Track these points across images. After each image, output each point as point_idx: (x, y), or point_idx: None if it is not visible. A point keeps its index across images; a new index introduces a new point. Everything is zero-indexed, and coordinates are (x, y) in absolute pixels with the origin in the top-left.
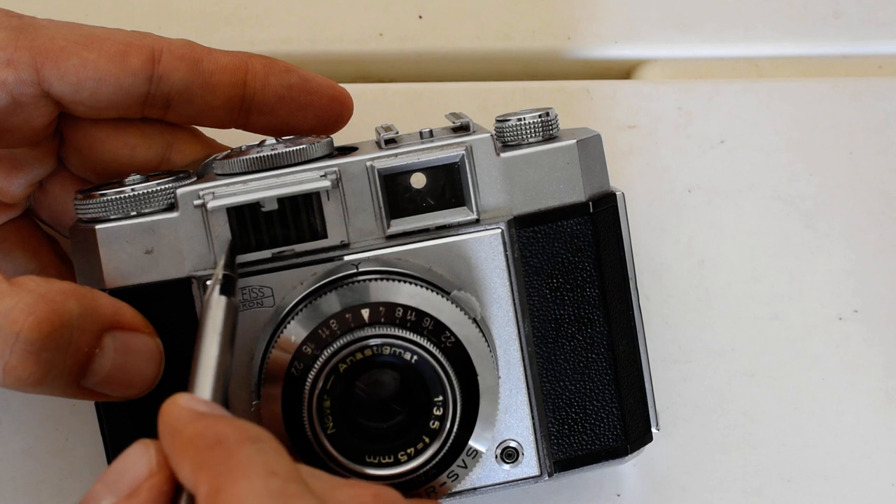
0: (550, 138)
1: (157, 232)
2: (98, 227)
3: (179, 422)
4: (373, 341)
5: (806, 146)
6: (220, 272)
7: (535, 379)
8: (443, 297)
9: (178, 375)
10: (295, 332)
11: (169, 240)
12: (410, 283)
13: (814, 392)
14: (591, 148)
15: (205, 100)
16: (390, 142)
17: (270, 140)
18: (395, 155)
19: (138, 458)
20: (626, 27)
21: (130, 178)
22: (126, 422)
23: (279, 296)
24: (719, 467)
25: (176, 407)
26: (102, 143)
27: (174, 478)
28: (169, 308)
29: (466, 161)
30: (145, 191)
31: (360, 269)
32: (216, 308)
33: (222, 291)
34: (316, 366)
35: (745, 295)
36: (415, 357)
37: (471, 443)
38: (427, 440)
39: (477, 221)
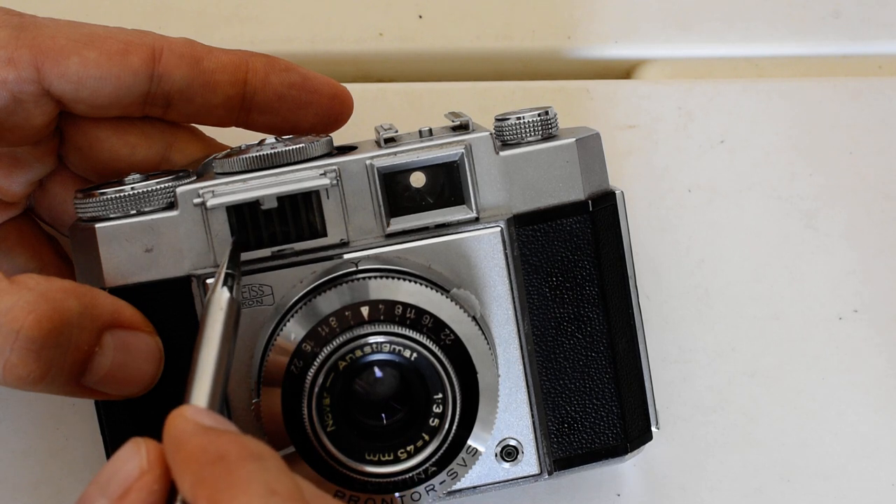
0: (549, 137)
1: (156, 230)
2: (98, 225)
3: (184, 434)
4: (372, 339)
5: (806, 146)
6: (222, 271)
7: (534, 377)
8: (442, 295)
9: (178, 374)
10: (294, 331)
11: (168, 238)
12: (410, 281)
13: (814, 392)
14: (590, 146)
15: (205, 98)
16: (390, 140)
17: (270, 139)
18: (395, 153)
19: (129, 458)
20: (625, 27)
21: (130, 177)
22: (126, 421)
23: (279, 294)
24: (719, 467)
25: (181, 419)
26: (102, 142)
27: (166, 477)
28: (169, 306)
29: (466, 160)
30: (145, 189)
31: (360, 268)
32: (216, 310)
33: (224, 291)
34: (315, 363)
35: (745, 295)
36: (414, 355)
37: (470, 441)
38: (427, 438)
39: (476, 220)
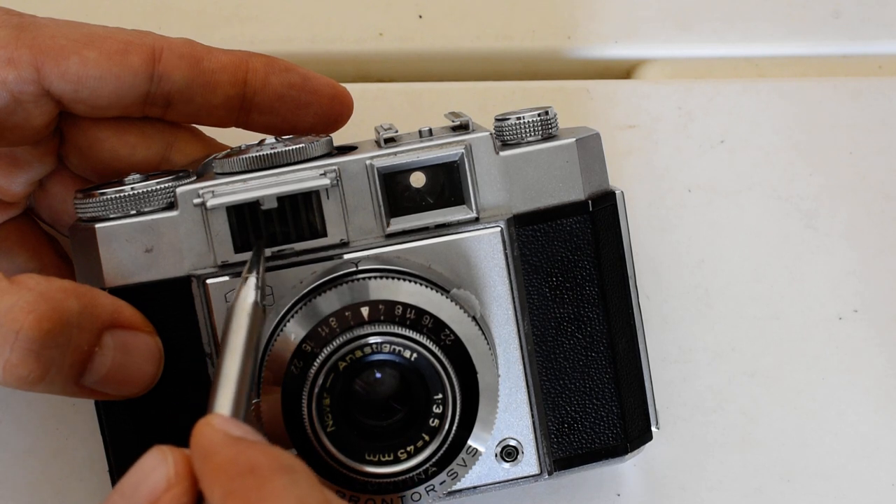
0: (549, 137)
1: (156, 231)
2: (98, 225)
3: (213, 445)
4: (372, 339)
5: (806, 146)
6: (245, 275)
7: (534, 377)
8: (442, 295)
9: (178, 374)
10: (294, 331)
11: (168, 238)
12: (410, 281)
13: (814, 392)
14: (590, 146)
15: (205, 98)
16: (390, 140)
17: (270, 139)
18: (395, 153)
19: (155, 467)
20: (626, 27)
21: (130, 177)
22: (126, 421)
23: (279, 294)
24: (719, 467)
25: (209, 428)
26: (102, 143)
27: (194, 489)
28: (169, 307)
29: (466, 160)
30: (145, 189)
31: (360, 268)
32: (240, 316)
33: (248, 297)
34: (315, 364)
35: (745, 295)
36: (414, 355)
37: (470, 441)
38: (427, 438)
39: (476, 220)
